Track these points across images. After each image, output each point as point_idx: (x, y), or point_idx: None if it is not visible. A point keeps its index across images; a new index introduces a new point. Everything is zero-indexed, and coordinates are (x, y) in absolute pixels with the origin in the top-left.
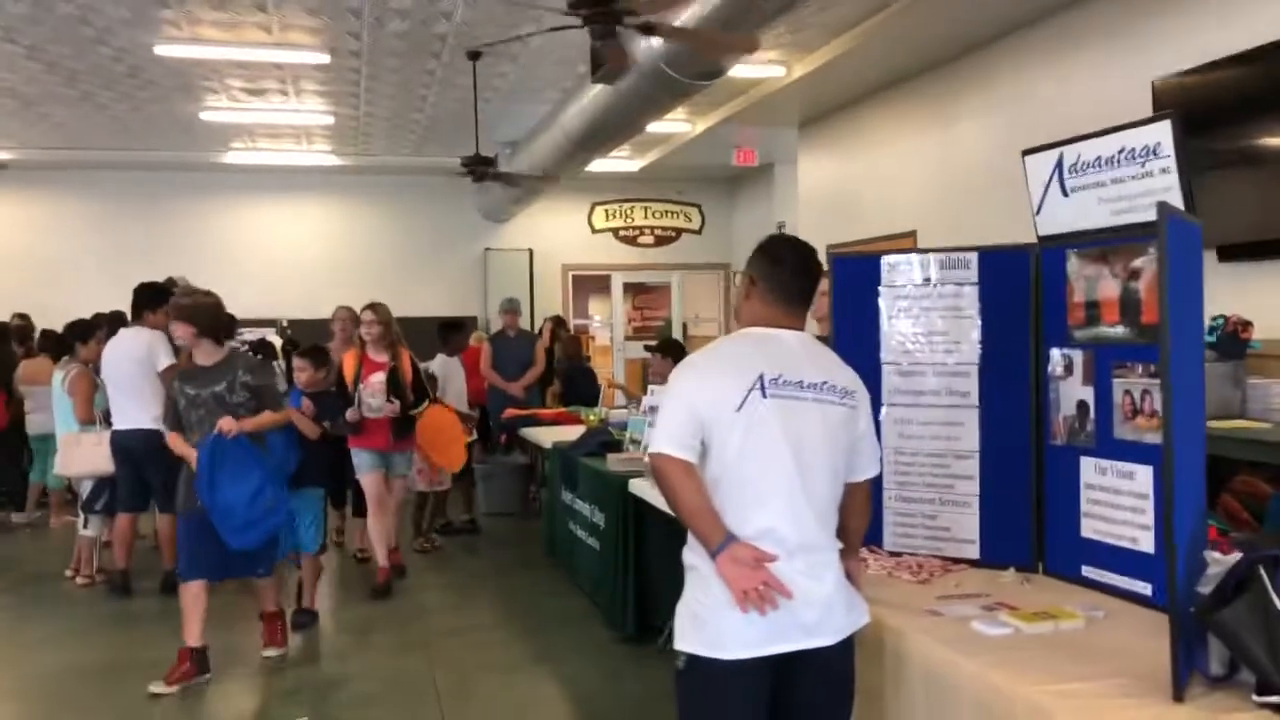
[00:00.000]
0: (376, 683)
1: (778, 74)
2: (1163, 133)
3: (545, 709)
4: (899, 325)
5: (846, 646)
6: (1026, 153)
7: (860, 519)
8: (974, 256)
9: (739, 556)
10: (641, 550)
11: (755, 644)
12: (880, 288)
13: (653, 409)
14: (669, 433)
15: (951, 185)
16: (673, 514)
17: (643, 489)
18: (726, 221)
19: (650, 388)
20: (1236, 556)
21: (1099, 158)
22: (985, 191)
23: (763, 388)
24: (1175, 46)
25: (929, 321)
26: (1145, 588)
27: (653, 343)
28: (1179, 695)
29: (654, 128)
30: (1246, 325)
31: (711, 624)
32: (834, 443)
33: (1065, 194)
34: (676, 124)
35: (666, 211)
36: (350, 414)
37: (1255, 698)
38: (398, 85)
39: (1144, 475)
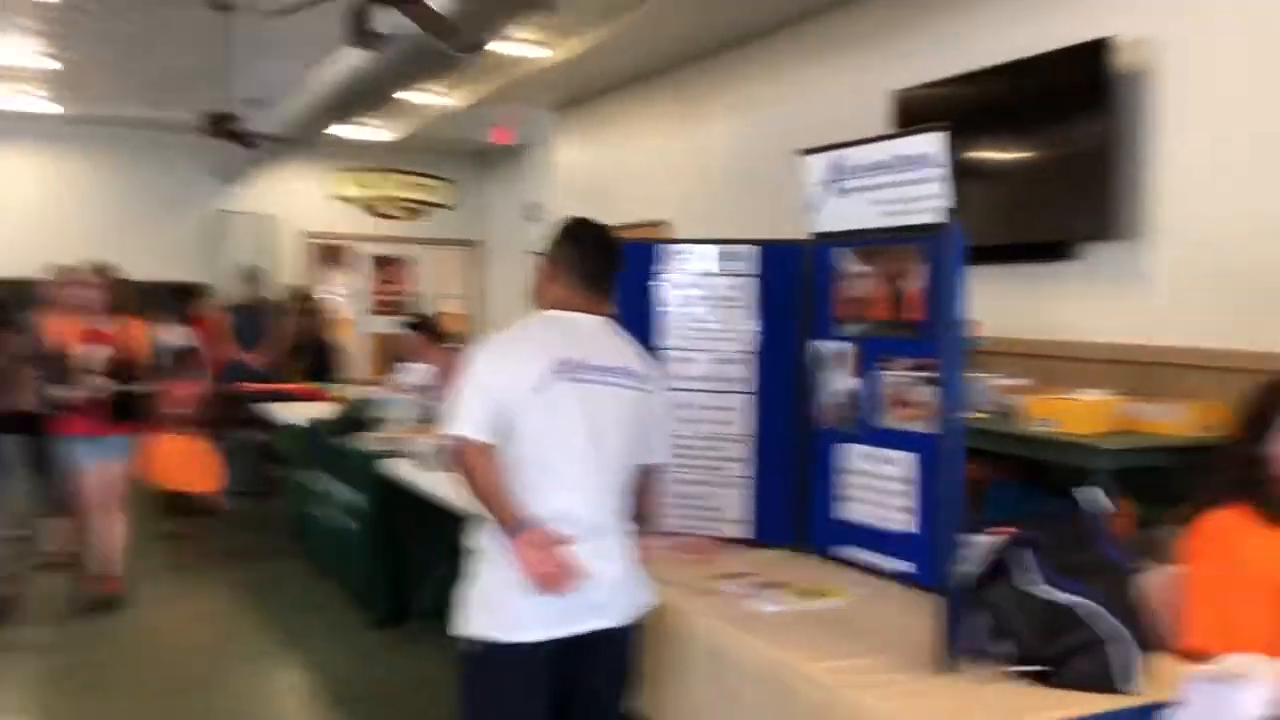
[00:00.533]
0: (112, 671)
1: (542, 55)
2: (936, 143)
3: (297, 696)
4: (677, 312)
5: (633, 629)
6: (804, 152)
7: (650, 503)
8: (750, 249)
9: (536, 540)
10: (395, 532)
11: (548, 625)
12: (661, 274)
13: (415, 388)
14: (466, 415)
15: (700, 179)
16: (471, 497)
17: (397, 469)
18: (478, 199)
19: (403, 365)
20: (993, 539)
21: (873, 162)
22: (733, 187)
23: (560, 371)
24: (908, 63)
25: (706, 309)
26: (906, 566)
27: (409, 319)
28: (946, 667)
29: (410, 98)
30: (971, 324)
31: (506, 608)
32: (628, 427)
33: (838, 194)
34: (433, 96)
35: (417, 184)
36: (71, 394)
37: (1012, 668)
38: (133, 32)
39: (906, 461)
